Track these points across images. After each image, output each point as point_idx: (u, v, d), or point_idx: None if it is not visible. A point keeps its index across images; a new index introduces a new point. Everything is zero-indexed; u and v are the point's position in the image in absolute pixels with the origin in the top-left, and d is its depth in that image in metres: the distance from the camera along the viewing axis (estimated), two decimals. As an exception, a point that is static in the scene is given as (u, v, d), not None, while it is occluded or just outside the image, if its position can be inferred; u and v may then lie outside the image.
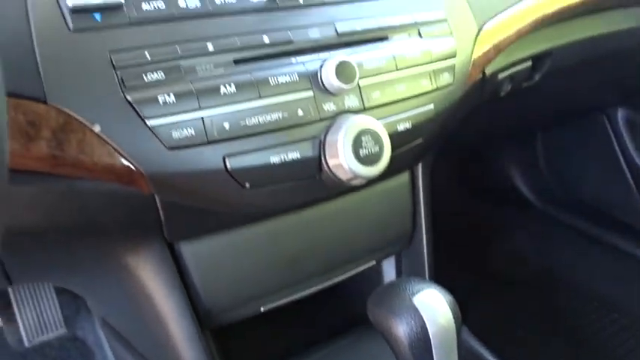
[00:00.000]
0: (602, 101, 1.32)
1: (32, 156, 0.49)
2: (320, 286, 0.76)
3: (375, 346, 0.75)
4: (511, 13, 0.79)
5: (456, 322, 0.55)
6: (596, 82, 1.18)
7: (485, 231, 1.52)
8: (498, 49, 0.77)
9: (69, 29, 0.50)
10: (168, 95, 0.51)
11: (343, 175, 0.58)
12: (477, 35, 0.74)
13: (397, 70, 0.64)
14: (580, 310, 1.31)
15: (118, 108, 0.50)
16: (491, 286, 1.36)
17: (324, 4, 0.62)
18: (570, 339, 1.25)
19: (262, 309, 0.72)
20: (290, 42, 0.58)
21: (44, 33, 0.49)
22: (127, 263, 0.63)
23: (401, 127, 0.64)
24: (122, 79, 0.50)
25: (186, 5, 0.55)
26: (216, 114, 0.53)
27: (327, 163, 0.58)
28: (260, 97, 0.55)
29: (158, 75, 0.51)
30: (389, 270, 0.85)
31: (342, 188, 0.64)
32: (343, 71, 0.57)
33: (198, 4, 0.55)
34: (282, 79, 0.56)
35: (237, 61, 0.55)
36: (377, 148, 0.58)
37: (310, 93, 0.58)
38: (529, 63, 0.89)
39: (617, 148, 1.34)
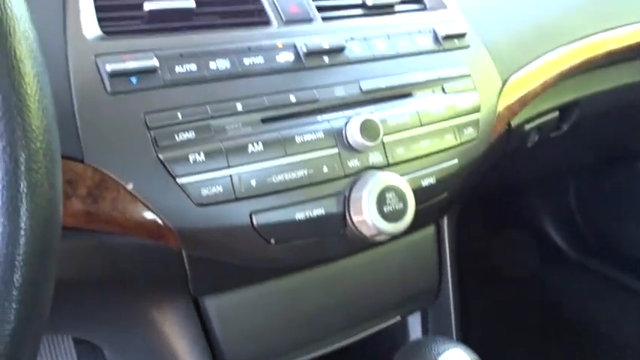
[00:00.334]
0: (634, 147, 1.34)
1: (68, 213, 0.54)
2: (343, 343, 0.79)
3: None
4: (536, 66, 0.83)
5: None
6: (626, 129, 1.21)
7: (517, 281, 1.52)
8: (523, 102, 0.81)
9: (107, 92, 0.56)
10: (199, 154, 0.56)
11: (367, 232, 0.62)
12: (501, 89, 0.78)
13: (421, 125, 0.68)
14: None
15: (151, 166, 0.56)
16: (523, 339, 1.36)
17: (349, 62, 0.67)
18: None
19: None
20: (316, 100, 0.64)
21: (84, 96, 0.55)
22: (151, 317, 0.67)
23: (425, 183, 0.68)
24: (155, 139, 0.56)
25: (217, 67, 0.61)
26: (244, 172, 0.58)
27: (351, 220, 0.62)
28: (286, 155, 0.60)
29: (189, 134, 0.57)
30: (415, 326, 0.88)
31: (366, 244, 0.68)
32: (367, 129, 0.62)
33: (228, 66, 0.61)
34: (307, 137, 0.61)
35: (264, 120, 0.61)
36: (401, 205, 0.62)
37: (335, 150, 0.62)
38: (556, 113, 0.93)
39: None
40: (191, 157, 0.56)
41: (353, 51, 0.68)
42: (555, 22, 0.88)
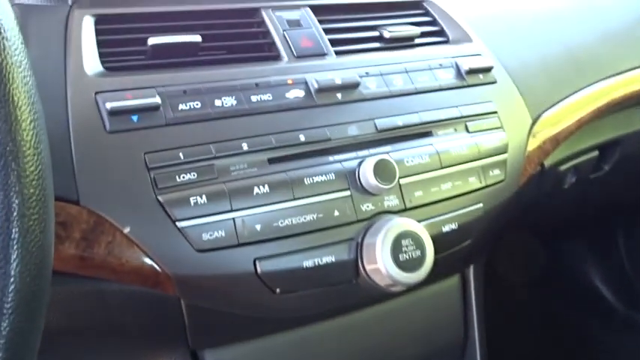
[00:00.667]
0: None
1: (60, 257, 0.55)
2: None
3: None
4: (571, 102, 0.83)
5: None
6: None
7: (556, 337, 1.48)
8: (556, 142, 0.81)
9: (106, 131, 0.57)
10: (200, 196, 0.57)
11: (381, 281, 0.61)
12: (531, 127, 0.78)
13: (442, 167, 0.68)
14: None
15: (149, 209, 0.56)
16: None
17: (363, 99, 0.68)
18: None
19: None
20: (327, 139, 0.64)
21: (82, 135, 0.57)
22: (147, 371, 0.67)
23: (446, 229, 0.67)
24: (155, 180, 0.57)
25: (222, 104, 0.62)
26: (248, 215, 0.58)
27: (364, 268, 0.62)
28: (294, 198, 0.60)
29: (191, 175, 0.58)
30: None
31: (380, 295, 0.67)
32: (382, 170, 0.62)
33: (234, 103, 0.62)
34: (317, 179, 0.62)
35: (271, 160, 0.61)
36: (418, 253, 0.61)
37: (347, 193, 0.62)
38: (595, 153, 0.92)
39: None
40: (192, 200, 0.57)
41: (368, 87, 0.69)
42: (592, 54, 0.88)
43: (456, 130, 0.72)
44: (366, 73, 0.69)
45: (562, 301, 1.57)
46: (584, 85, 0.85)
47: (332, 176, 0.62)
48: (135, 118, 0.58)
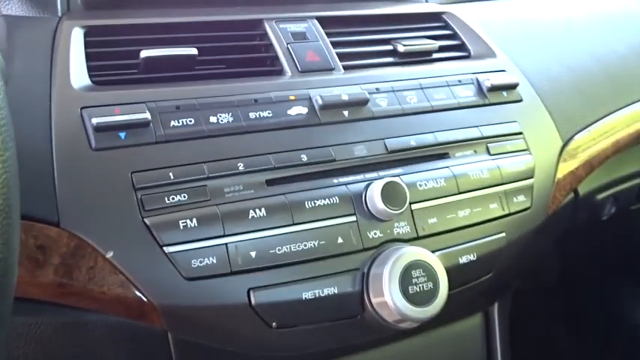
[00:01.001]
0: None
1: (37, 283, 0.55)
2: None
3: None
4: (606, 124, 0.81)
5: None
6: None
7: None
8: (591, 167, 0.78)
9: (91, 148, 0.57)
10: (191, 220, 0.56)
11: (389, 317, 0.60)
12: (561, 150, 0.76)
13: (459, 192, 0.66)
14: None
15: (135, 233, 0.56)
16: None
17: (372, 117, 0.67)
18: None
19: None
20: (331, 160, 0.63)
21: (65, 152, 0.57)
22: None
23: (463, 260, 0.65)
24: (141, 201, 0.56)
25: (218, 121, 0.62)
26: (242, 241, 0.57)
27: (370, 301, 0.60)
28: (293, 223, 0.59)
29: (181, 197, 0.57)
30: None
31: (388, 332, 0.65)
32: (391, 193, 0.61)
33: (231, 120, 0.62)
34: (320, 202, 0.61)
35: (269, 182, 0.60)
36: (430, 285, 0.60)
37: (353, 218, 0.61)
38: (637, 180, 0.90)
39: None
40: (181, 223, 0.56)
41: (378, 104, 0.68)
42: (628, 69, 0.86)
43: (475, 151, 0.70)
44: (377, 89, 0.69)
45: (602, 347, 1.51)
46: (622, 105, 0.83)
47: (336, 200, 0.61)
48: (122, 134, 0.58)
